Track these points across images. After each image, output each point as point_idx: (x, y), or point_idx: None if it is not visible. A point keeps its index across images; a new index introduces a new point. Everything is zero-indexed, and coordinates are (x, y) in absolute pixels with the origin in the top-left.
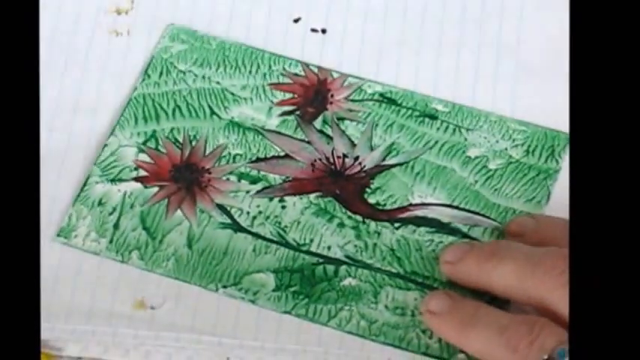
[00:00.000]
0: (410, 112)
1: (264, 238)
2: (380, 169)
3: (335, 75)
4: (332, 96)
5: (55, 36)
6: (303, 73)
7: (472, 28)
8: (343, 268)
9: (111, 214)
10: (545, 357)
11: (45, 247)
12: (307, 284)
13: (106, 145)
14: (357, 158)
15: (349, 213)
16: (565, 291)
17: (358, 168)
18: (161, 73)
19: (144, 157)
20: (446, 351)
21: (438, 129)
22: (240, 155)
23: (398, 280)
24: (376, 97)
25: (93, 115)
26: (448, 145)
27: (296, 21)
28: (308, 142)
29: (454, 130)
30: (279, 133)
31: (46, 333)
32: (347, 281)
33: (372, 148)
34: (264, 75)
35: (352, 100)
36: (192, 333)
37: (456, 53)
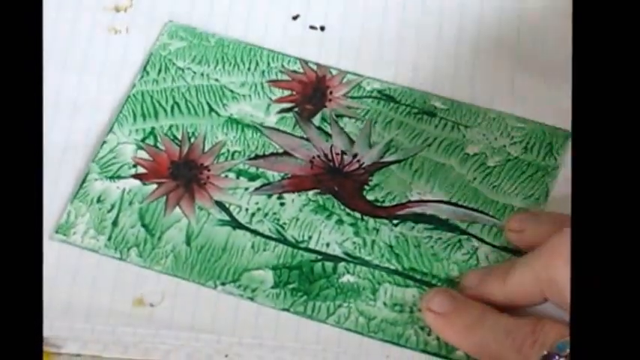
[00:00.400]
0: (408, 109)
1: (262, 235)
2: (378, 166)
3: (333, 72)
4: (331, 93)
5: (54, 33)
6: (301, 70)
7: (471, 26)
8: (342, 264)
9: (109, 211)
10: (545, 353)
11: (43, 244)
12: (306, 281)
13: (104, 142)
14: (355, 155)
15: (348, 210)
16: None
17: (357, 165)
18: (160, 71)
19: (142, 154)
20: (444, 348)
21: (437, 126)
22: (239, 152)
23: (396, 277)
24: (375, 94)
25: (91, 113)
26: (447, 142)
27: (295, 18)
28: (307, 139)
29: (453, 127)
30: (277, 130)
31: (44, 330)
32: (345, 278)
33: (370, 145)
34: (263, 72)
35: (351, 97)
36: (191, 330)
37: (455, 50)
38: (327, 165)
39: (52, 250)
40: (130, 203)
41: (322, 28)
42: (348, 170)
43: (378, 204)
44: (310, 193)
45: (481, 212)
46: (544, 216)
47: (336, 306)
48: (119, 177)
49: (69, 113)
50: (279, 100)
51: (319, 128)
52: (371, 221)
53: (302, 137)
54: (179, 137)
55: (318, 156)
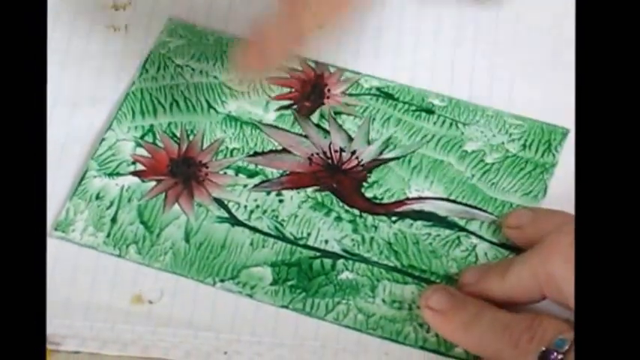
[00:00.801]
0: (407, 106)
1: (261, 232)
2: (377, 163)
3: (332, 69)
4: (329, 90)
5: (53, 31)
6: (300, 68)
7: (469, 23)
8: (340, 261)
9: (108, 208)
10: (544, 349)
11: None
12: (304, 278)
13: (103, 140)
14: (354, 152)
15: (346, 207)
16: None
17: (355, 162)
18: (159, 68)
19: (141, 151)
20: (443, 345)
21: (435, 123)
22: (238, 149)
23: (395, 274)
24: (373, 91)
25: (91, 110)
26: (445, 140)
27: None
28: (305, 137)
29: (451, 124)
30: (276, 127)
31: None
32: (344, 275)
33: (369, 143)
34: None
35: (349, 95)
36: (189, 327)
37: (453, 48)
38: (326, 162)
39: (50, 247)
40: (129, 200)
41: (320, 26)
42: (347, 167)
43: (377, 201)
44: (309, 190)
45: (479, 209)
46: (542, 213)
47: (335, 303)
48: (118, 174)
49: (68, 110)
50: (278, 98)
51: (318, 125)
52: (369, 218)
53: (300, 134)
54: (178, 134)
55: (317, 153)
